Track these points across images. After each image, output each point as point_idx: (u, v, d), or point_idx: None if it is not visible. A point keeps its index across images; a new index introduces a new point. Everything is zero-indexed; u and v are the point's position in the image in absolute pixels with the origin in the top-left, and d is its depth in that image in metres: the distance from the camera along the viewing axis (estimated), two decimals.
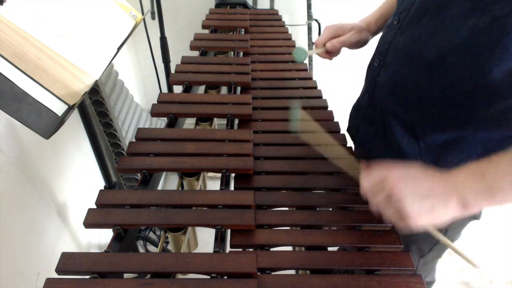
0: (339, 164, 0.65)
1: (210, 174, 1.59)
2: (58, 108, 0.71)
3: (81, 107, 1.05)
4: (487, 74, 0.55)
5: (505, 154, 0.51)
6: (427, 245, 0.85)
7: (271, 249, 0.60)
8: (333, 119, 0.89)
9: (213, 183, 1.56)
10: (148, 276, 0.55)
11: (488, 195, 0.50)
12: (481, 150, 0.65)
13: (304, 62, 1.13)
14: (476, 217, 0.79)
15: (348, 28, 0.86)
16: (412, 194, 0.50)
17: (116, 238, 0.60)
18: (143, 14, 1.14)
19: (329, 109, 0.92)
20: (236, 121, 0.89)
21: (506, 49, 0.52)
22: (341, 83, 1.94)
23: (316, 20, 1.73)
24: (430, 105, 0.66)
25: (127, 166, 0.72)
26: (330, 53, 0.89)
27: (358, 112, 0.86)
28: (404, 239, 0.81)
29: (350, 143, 0.84)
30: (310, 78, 1.04)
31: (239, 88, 1.00)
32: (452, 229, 0.80)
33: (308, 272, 0.58)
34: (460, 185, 0.51)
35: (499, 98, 0.58)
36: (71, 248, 1.25)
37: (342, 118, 0.92)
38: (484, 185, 0.50)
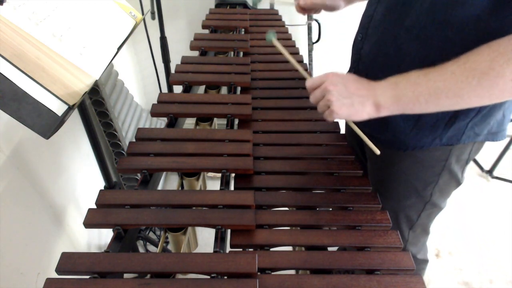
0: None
1: (210, 174, 1.59)
2: (58, 108, 0.71)
3: (81, 107, 1.05)
4: (453, 27, 0.62)
5: (419, 70, 0.61)
6: (414, 211, 0.89)
7: (271, 249, 0.60)
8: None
9: (213, 183, 1.56)
10: (148, 276, 0.55)
11: (395, 100, 0.62)
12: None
13: (304, 62, 1.14)
14: (458, 181, 0.84)
15: None
16: (338, 93, 0.65)
17: (116, 238, 0.60)
18: (143, 14, 1.14)
19: None
20: (236, 121, 0.89)
21: (465, 2, 0.58)
22: None
23: (316, 20, 1.73)
24: (409, 67, 0.69)
25: (127, 166, 0.72)
26: (304, 9, 1.00)
27: None
28: (392, 210, 0.87)
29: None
30: None
31: (239, 88, 1.00)
32: (436, 194, 0.84)
33: (308, 272, 0.58)
34: (378, 91, 0.64)
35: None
36: (71, 248, 1.25)
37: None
38: (395, 92, 0.62)
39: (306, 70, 0.85)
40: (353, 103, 0.65)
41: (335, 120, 0.88)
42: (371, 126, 0.81)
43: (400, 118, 0.76)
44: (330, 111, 0.66)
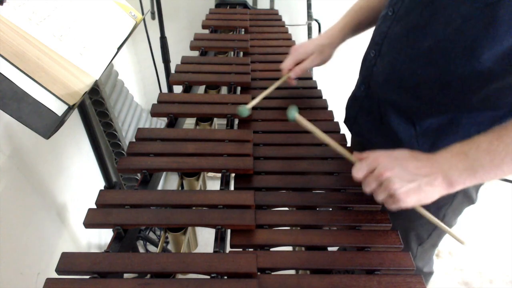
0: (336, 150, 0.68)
1: (210, 174, 1.58)
2: (58, 108, 0.71)
3: (81, 107, 1.05)
4: (480, 57, 0.57)
5: (486, 134, 0.55)
6: (425, 231, 0.87)
7: (271, 249, 0.60)
8: (333, 119, 0.89)
9: (213, 183, 1.56)
10: (148, 276, 0.55)
11: (471, 173, 0.55)
12: (475, 131, 0.65)
13: None
14: (472, 201, 0.81)
15: (310, 51, 0.87)
16: (400, 179, 0.55)
17: (116, 238, 0.60)
18: (143, 14, 1.14)
19: (329, 109, 0.92)
20: (236, 121, 0.89)
21: (496, 34, 0.54)
22: (341, 83, 1.94)
23: (316, 20, 1.72)
24: (425, 91, 0.67)
25: (127, 166, 0.72)
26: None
27: (354, 103, 0.87)
28: (403, 227, 0.84)
29: (348, 135, 0.84)
30: (310, 78, 1.04)
31: (239, 88, 1.00)
32: (449, 215, 0.82)
33: (308, 272, 0.58)
34: (445, 165, 0.56)
35: (492, 80, 0.59)
36: (71, 248, 1.25)
37: (342, 118, 0.92)
38: (467, 164, 0.54)
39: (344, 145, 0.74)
40: (420, 186, 0.55)
41: (335, 121, 0.88)
42: (380, 143, 0.78)
43: (415, 138, 0.73)
44: (395, 200, 0.56)
